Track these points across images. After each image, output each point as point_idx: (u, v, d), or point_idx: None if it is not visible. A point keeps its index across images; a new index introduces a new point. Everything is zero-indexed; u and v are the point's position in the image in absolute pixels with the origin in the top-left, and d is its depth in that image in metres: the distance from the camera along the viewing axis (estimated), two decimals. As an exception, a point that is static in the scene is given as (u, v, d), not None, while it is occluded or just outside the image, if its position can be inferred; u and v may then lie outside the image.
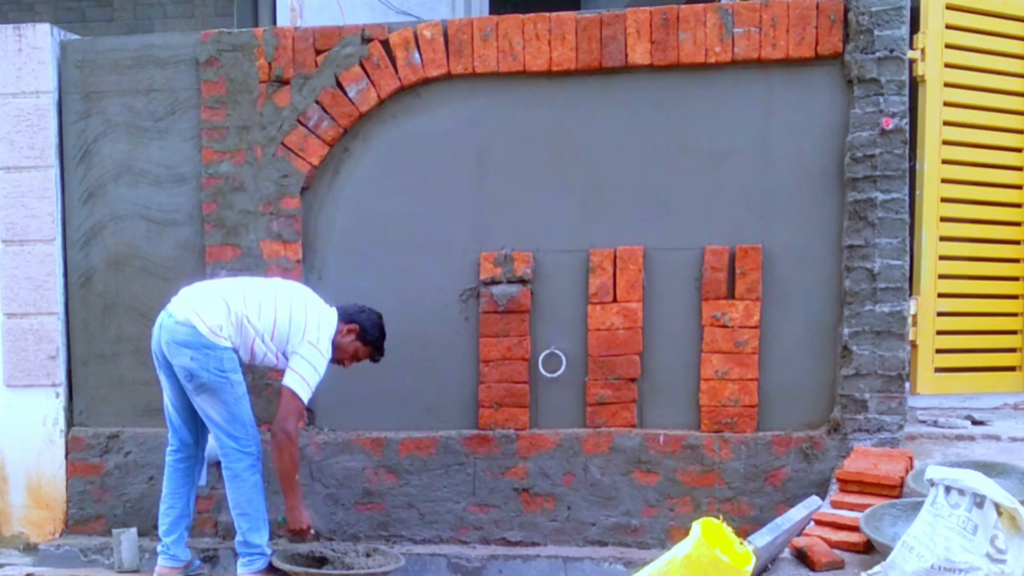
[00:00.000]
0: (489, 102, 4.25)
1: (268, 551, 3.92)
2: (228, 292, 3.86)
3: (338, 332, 3.91)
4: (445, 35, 4.22)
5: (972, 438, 3.93)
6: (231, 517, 3.94)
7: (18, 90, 4.48)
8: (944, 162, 4.47)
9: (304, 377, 3.78)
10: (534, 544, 4.26)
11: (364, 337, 3.96)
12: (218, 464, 4.28)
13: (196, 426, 3.98)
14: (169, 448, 4.00)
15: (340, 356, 3.97)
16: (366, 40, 4.26)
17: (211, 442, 4.08)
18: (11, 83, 4.48)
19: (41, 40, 4.46)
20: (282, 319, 3.83)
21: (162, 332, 3.80)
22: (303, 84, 4.29)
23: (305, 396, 3.80)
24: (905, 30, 3.95)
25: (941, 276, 4.50)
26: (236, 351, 3.82)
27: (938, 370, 4.54)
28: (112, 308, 4.50)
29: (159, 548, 4.02)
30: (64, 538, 4.51)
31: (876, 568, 2.59)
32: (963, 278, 4.56)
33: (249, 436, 3.85)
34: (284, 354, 3.85)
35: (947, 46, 4.42)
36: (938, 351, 4.52)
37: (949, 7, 4.42)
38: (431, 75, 4.23)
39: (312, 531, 3.97)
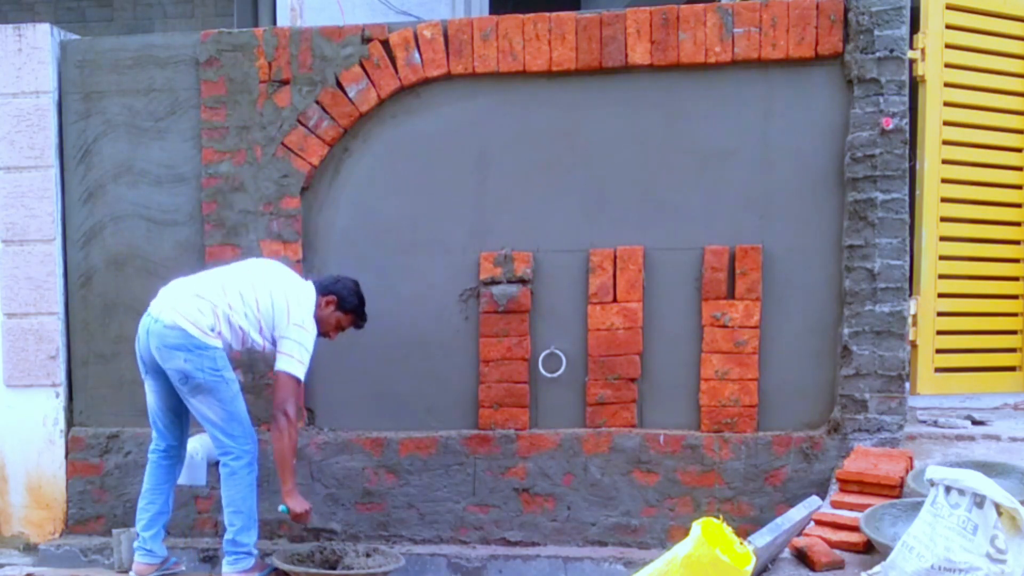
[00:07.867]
0: (489, 102, 4.24)
1: (255, 552, 3.91)
2: (209, 289, 3.83)
3: (318, 307, 3.91)
4: (445, 35, 4.22)
5: (972, 438, 3.92)
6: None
7: (18, 90, 4.48)
8: (944, 162, 4.47)
9: (296, 357, 3.81)
10: (534, 544, 4.26)
11: (343, 306, 3.97)
12: (217, 464, 4.28)
13: (181, 429, 4.00)
14: (153, 447, 4.01)
15: (325, 329, 3.97)
16: (366, 40, 4.26)
17: (209, 443, 4.08)
18: (11, 83, 4.48)
19: (41, 40, 4.46)
20: (264, 307, 3.83)
21: (150, 337, 3.78)
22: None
23: (300, 374, 3.83)
24: (905, 30, 3.95)
25: (941, 276, 4.49)
26: (228, 347, 3.83)
27: (938, 370, 4.54)
28: (112, 308, 4.50)
29: (135, 544, 4.01)
30: (64, 538, 4.51)
31: (876, 568, 2.59)
32: (963, 278, 4.56)
33: (247, 434, 3.86)
34: (272, 340, 3.87)
35: (947, 46, 4.42)
36: (938, 351, 4.51)
37: (949, 7, 4.42)
38: (431, 75, 4.23)
39: (312, 514, 3.99)
